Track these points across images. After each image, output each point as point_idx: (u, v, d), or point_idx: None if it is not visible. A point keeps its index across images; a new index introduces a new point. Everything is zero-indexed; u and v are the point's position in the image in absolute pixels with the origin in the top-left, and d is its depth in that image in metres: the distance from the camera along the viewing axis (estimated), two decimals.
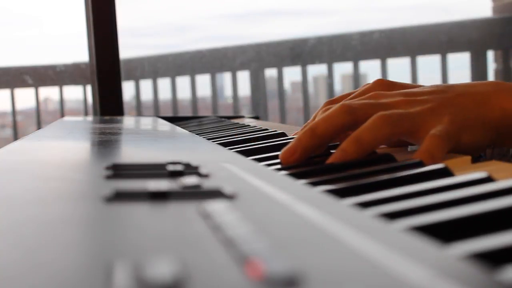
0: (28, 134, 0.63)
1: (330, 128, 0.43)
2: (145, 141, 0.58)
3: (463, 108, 0.44)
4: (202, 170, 0.32)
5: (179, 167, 0.32)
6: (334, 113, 0.43)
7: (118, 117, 1.12)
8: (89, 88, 2.51)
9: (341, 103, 0.45)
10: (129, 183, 0.28)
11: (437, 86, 0.47)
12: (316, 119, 0.46)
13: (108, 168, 0.33)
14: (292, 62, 2.60)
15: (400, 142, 0.49)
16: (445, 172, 0.34)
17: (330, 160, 0.41)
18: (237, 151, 0.49)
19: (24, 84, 2.64)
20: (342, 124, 0.43)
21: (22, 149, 0.46)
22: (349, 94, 0.55)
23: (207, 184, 0.27)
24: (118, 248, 0.17)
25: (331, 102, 0.56)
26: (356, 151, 0.41)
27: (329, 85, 2.57)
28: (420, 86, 0.49)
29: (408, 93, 0.46)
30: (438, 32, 2.47)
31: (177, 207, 0.23)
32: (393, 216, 0.24)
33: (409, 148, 0.48)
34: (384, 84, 0.53)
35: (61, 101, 2.68)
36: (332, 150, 0.45)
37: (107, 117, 1.12)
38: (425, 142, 0.41)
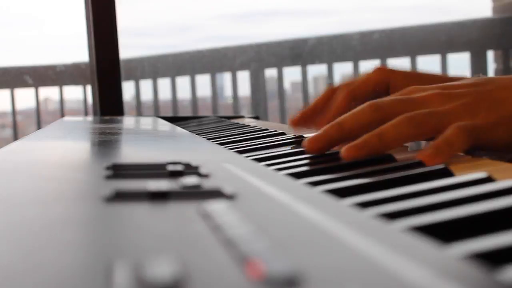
0: (28, 134, 0.63)
1: (357, 125, 0.44)
2: (145, 141, 0.58)
3: (501, 102, 0.43)
4: (202, 170, 0.32)
5: (179, 167, 0.32)
6: (362, 110, 0.44)
7: (118, 117, 1.12)
8: (89, 88, 2.51)
9: (371, 101, 0.45)
10: (129, 183, 0.28)
11: (479, 78, 0.46)
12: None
13: (108, 168, 0.33)
14: (292, 62, 2.60)
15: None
16: (445, 172, 0.34)
17: (348, 147, 0.41)
18: (237, 151, 0.49)
19: (24, 84, 2.64)
20: (369, 121, 0.43)
21: (22, 149, 0.46)
22: (352, 82, 0.58)
23: (207, 184, 0.27)
24: (118, 248, 0.17)
25: (334, 88, 0.61)
26: (375, 146, 0.41)
27: (329, 86, 2.57)
28: (460, 78, 0.48)
29: (446, 86, 0.45)
30: (438, 32, 2.47)
31: (177, 207, 0.23)
32: (393, 216, 0.24)
33: (409, 147, 0.48)
34: (384, 71, 0.56)
35: (61, 101, 2.68)
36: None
37: (107, 117, 1.12)
38: (446, 131, 0.40)
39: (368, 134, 0.41)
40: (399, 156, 0.41)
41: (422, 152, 0.39)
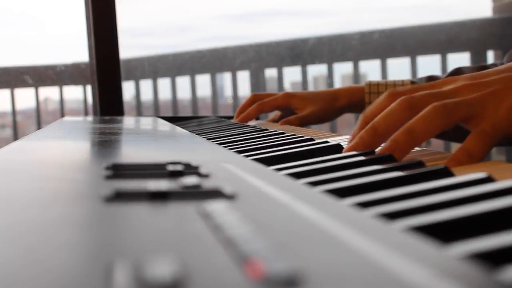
0: (28, 134, 0.63)
1: (391, 127, 0.44)
2: (145, 141, 0.58)
3: None
4: (202, 170, 0.32)
5: (179, 167, 0.32)
6: (394, 110, 0.44)
7: (118, 117, 1.12)
8: (89, 88, 2.50)
9: (401, 98, 0.44)
10: (129, 183, 0.28)
11: (506, 64, 0.46)
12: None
13: (108, 168, 0.33)
14: (292, 62, 2.60)
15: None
16: (445, 172, 0.34)
17: (381, 151, 0.41)
18: (237, 151, 0.49)
19: (24, 84, 2.64)
20: (403, 120, 0.44)
21: (22, 149, 0.46)
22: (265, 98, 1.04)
23: (207, 184, 0.27)
24: (118, 248, 0.17)
25: (257, 96, 1.05)
26: (407, 142, 0.41)
27: (329, 85, 2.57)
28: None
29: (474, 76, 0.46)
30: (438, 32, 2.47)
31: (177, 207, 0.23)
32: (393, 216, 0.24)
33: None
34: (287, 96, 0.95)
35: (61, 101, 2.68)
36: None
37: (107, 117, 1.12)
38: (466, 140, 0.40)
39: (397, 133, 0.41)
40: (408, 157, 0.41)
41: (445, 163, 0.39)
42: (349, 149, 0.45)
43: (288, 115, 1.04)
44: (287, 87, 2.75)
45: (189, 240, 0.18)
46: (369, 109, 0.47)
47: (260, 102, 1.01)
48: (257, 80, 2.66)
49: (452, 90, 0.44)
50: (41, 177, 0.31)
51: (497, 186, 0.28)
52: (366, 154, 0.43)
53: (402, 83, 1.00)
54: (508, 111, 0.41)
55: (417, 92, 0.45)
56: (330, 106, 1.01)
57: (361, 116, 0.47)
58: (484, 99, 0.42)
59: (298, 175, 0.36)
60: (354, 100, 1.01)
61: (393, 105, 0.44)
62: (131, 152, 0.50)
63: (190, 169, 0.32)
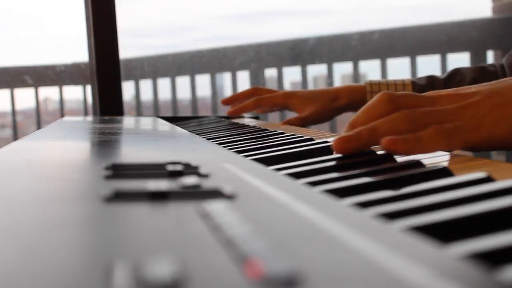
0: (28, 134, 0.63)
1: (390, 130, 0.44)
2: (145, 141, 0.58)
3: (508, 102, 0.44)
4: (202, 170, 0.32)
5: (178, 167, 0.32)
6: (396, 118, 0.44)
7: (118, 117, 1.12)
8: (89, 88, 2.50)
9: (406, 112, 0.45)
10: (129, 183, 0.28)
11: (489, 83, 0.47)
12: None
13: (107, 168, 0.33)
14: (292, 62, 2.60)
15: None
16: (445, 172, 0.34)
17: (393, 151, 0.42)
18: (237, 151, 0.49)
19: (24, 84, 2.64)
20: (403, 131, 0.44)
21: (22, 149, 0.46)
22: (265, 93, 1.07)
23: (207, 184, 0.27)
24: (118, 248, 0.17)
25: (259, 91, 1.09)
26: (413, 150, 0.42)
27: (329, 85, 2.57)
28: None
29: (457, 92, 0.47)
30: (438, 32, 2.47)
31: (177, 207, 0.23)
32: (393, 216, 0.24)
33: None
34: (286, 95, 0.98)
35: (61, 101, 2.68)
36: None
37: (107, 117, 1.12)
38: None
39: (408, 143, 0.42)
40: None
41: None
42: (342, 140, 0.44)
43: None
44: (287, 87, 2.75)
45: (189, 240, 0.18)
46: (361, 115, 0.47)
47: (258, 98, 1.02)
48: (257, 80, 2.66)
49: (450, 110, 0.45)
50: (41, 177, 0.31)
51: (497, 186, 0.28)
52: (366, 154, 0.43)
53: (403, 82, 1.00)
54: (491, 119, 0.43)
55: (407, 99, 0.46)
56: (330, 106, 1.02)
57: (351, 121, 0.47)
58: (479, 124, 0.43)
59: (297, 175, 0.36)
60: (354, 99, 1.02)
61: (397, 114, 0.44)
62: (131, 152, 0.50)
63: (190, 169, 0.32)
